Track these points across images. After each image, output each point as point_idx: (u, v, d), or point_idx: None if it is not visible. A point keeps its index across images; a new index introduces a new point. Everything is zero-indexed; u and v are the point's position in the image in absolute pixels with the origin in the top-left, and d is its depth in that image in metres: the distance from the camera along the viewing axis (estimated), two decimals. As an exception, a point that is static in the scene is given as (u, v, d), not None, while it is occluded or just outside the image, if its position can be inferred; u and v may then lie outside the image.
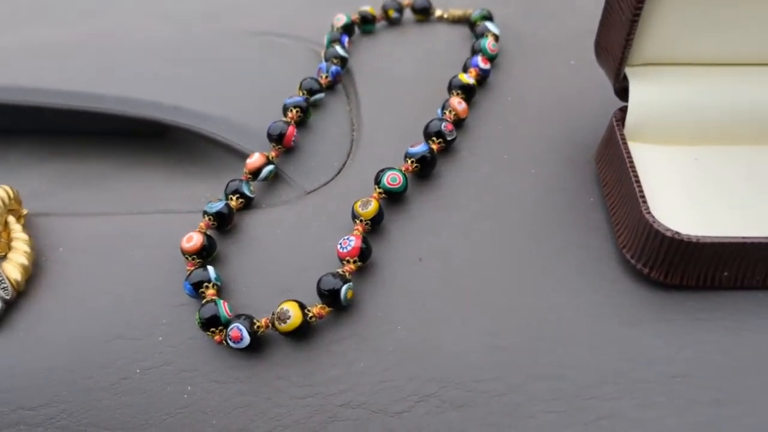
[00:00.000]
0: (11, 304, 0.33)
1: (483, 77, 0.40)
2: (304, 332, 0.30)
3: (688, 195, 0.31)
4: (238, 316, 0.31)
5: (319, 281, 0.30)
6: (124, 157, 0.43)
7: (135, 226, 0.36)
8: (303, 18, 0.49)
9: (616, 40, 0.31)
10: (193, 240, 0.33)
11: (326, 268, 0.32)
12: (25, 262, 0.34)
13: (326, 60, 0.43)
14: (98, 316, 0.33)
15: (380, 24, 0.48)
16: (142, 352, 0.32)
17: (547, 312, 0.30)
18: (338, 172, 0.37)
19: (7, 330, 0.33)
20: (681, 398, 0.26)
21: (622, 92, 0.33)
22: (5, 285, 0.33)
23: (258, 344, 0.31)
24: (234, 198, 0.35)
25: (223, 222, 0.34)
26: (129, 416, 0.31)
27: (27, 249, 0.34)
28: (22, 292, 0.34)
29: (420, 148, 0.34)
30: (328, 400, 0.29)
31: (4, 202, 0.35)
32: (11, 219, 0.36)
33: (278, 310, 0.30)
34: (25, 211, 0.37)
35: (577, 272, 0.31)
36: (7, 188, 0.36)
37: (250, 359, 0.31)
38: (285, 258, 0.33)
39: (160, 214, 0.37)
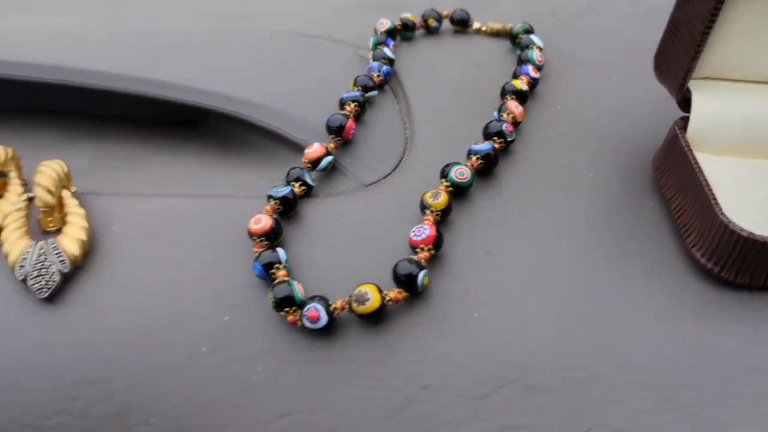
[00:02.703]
0: (68, 279, 0.33)
1: (532, 86, 0.41)
2: (380, 316, 0.30)
3: (747, 202, 0.32)
4: (312, 298, 0.31)
5: (395, 266, 0.31)
6: (163, 142, 0.43)
7: (190, 209, 0.36)
8: (341, 23, 0.50)
9: (683, 54, 0.33)
10: (262, 222, 0.33)
11: (394, 257, 0.32)
12: (83, 236, 0.33)
13: (375, 60, 0.43)
14: (160, 294, 0.32)
15: (418, 32, 0.49)
16: (208, 332, 0.31)
17: (619, 307, 0.30)
18: (395, 168, 0.38)
19: (64, 304, 0.33)
20: (759, 389, 0.28)
21: (684, 103, 0.34)
22: (63, 258, 0.33)
23: (332, 326, 0.31)
24: (296, 185, 0.35)
25: (288, 207, 0.34)
26: (194, 394, 0.30)
27: (84, 224, 0.34)
28: (79, 266, 0.33)
29: (484, 146, 0.35)
30: (406, 382, 0.29)
31: (59, 176, 0.35)
32: (66, 194, 0.35)
33: (356, 292, 0.30)
34: (73, 189, 0.36)
35: (644, 270, 0.32)
36: (61, 162, 0.35)
37: (322, 341, 0.31)
38: (351, 246, 0.34)
39: (216, 198, 0.36)
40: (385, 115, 0.41)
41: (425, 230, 0.32)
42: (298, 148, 0.39)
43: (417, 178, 0.37)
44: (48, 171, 0.34)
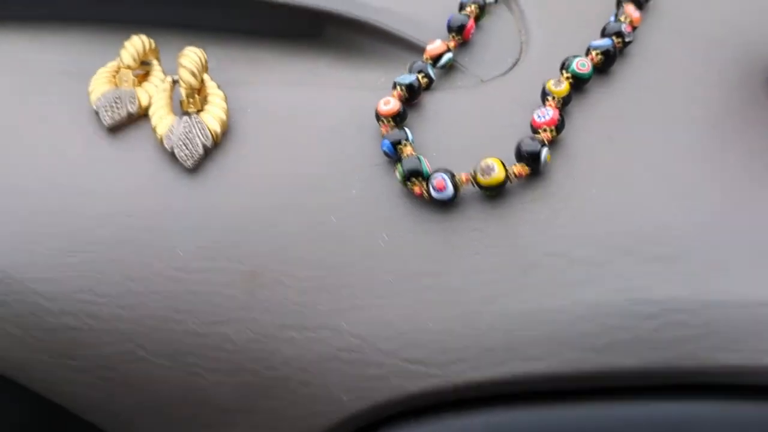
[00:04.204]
0: (209, 152, 0.35)
1: (646, -2, 0.41)
2: (502, 189, 0.32)
3: None
4: (438, 170, 0.32)
5: (519, 143, 0.32)
6: (283, 50, 0.45)
7: (317, 98, 0.38)
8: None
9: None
10: (391, 104, 0.35)
11: (514, 142, 0.34)
12: (223, 116, 0.36)
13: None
14: (292, 170, 0.35)
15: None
16: (337, 203, 0.34)
17: (739, 186, 0.31)
18: (512, 67, 0.39)
19: (202, 177, 0.35)
20: None
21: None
22: (206, 133, 0.35)
23: (455, 199, 0.33)
24: (419, 76, 0.37)
25: (412, 94, 0.36)
26: (324, 257, 0.33)
27: (224, 105, 0.37)
28: (219, 142, 0.36)
29: (604, 41, 0.36)
30: (527, 250, 0.31)
31: (201, 61, 0.37)
32: (207, 77, 0.38)
33: (482, 164, 0.32)
34: (207, 79, 0.39)
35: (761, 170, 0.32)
36: (201, 50, 0.38)
37: (445, 212, 0.33)
38: (472, 132, 0.35)
39: (341, 89, 0.38)
40: (501, 21, 0.42)
41: (548, 112, 0.33)
42: (416, 51, 0.40)
43: (534, 76, 0.38)
44: (192, 55, 0.37)
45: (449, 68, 0.39)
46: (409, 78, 0.36)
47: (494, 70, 0.39)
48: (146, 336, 0.32)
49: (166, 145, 0.35)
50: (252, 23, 0.46)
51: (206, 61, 0.38)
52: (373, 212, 0.33)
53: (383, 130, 0.35)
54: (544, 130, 0.33)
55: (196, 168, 0.35)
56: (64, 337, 0.33)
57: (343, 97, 0.38)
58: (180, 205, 0.34)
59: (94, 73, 0.39)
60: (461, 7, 0.40)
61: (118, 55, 0.39)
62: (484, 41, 0.41)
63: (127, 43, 0.39)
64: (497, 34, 0.41)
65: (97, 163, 0.35)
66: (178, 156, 0.35)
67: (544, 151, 0.32)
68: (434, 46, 0.38)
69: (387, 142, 0.34)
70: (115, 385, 0.33)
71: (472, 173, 0.32)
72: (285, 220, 0.34)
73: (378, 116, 0.35)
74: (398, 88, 0.36)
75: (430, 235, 0.32)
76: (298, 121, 0.37)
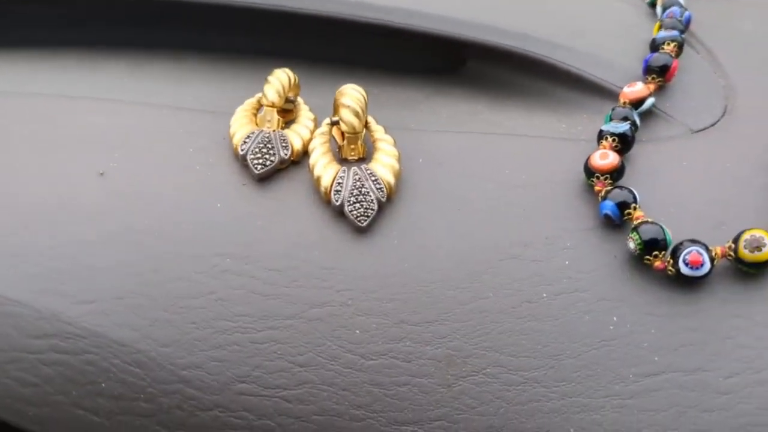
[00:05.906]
0: (382, 208, 0.29)
1: None
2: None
3: None
4: (688, 242, 0.26)
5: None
6: (426, 90, 0.39)
7: (492, 146, 0.32)
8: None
9: None
10: (609, 158, 0.29)
11: (750, 205, 0.28)
12: (396, 165, 0.30)
13: (664, 8, 0.39)
14: (481, 232, 0.29)
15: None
16: (546, 276, 0.28)
17: None
18: (723, 115, 0.33)
19: (380, 236, 0.29)
20: None
21: None
22: (380, 186, 0.29)
23: (706, 276, 0.26)
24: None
25: (626, 146, 0.30)
26: (538, 343, 0.27)
27: (395, 152, 0.31)
28: (391, 198, 0.30)
29: None
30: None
31: (364, 100, 0.31)
32: (372, 119, 0.32)
33: (747, 236, 0.26)
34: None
35: None
36: (360, 89, 0.32)
37: (691, 292, 0.27)
38: (698, 193, 0.30)
39: (517, 137, 0.33)
40: (690, 62, 0.37)
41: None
42: (593, 92, 0.35)
43: (751, 126, 0.32)
44: (354, 93, 0.31)
45: (648, 114, 0.33)
46: (622, 127, 0.30)
47: (704, 118, 0.33)
48: (320, 439, 0.26)
49: (333, 200, 0.29)
50: (383, 57, 0.40)
51: (367, 101, 0.32)
52: (593, 289, 0.27)
53: (599, 188, 0.28)
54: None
55: (369, 227, 0.29)
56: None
57: (529, 146, 0.32)
58: (355, 273, 0.28)
59: (223, 109, 0.33)
60: (656, 46, 0.35)
61: (261, 90, 0.33)
62: (681, 84, 0.35)
63: (270, 78, 0.33)
64: (692, 77, 0.36)
65: (250, 219, 0.29)
66: (349, 214, 0.29)
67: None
68: (635, 89, 0.33)
69: (611, 204, 0.28)
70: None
71: (731, 246, 0.26)
72: (483, 294, 0.27)
73: (590, 172, 0.29)
74: (609, 138, 0.30)
75: (677, 320, 0.26)
76: (482, 173, 0.31)
